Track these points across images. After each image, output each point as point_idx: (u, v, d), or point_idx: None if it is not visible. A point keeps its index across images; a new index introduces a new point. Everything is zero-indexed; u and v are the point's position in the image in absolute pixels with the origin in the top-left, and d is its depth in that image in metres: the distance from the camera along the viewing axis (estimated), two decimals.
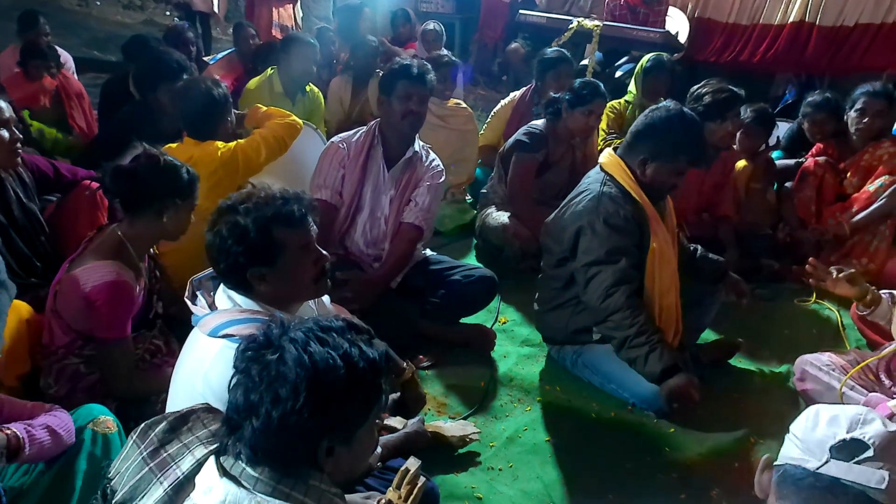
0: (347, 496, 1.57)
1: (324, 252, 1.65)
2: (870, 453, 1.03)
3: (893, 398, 2.27)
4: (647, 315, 2.35)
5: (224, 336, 1.45)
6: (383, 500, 1.55)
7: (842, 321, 3.26)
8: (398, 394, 2.35)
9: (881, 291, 2.48)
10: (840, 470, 1.03)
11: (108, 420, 1.77)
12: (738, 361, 2.89)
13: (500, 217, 3.54)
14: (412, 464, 1.65)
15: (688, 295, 2.63)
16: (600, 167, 2.46)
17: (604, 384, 2.59)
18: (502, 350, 2.88)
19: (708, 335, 2.99)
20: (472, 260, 3.69)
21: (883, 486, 1.01)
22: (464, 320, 2.96)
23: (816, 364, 2.53)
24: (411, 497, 1.57)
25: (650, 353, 2.26)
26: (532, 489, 2.16)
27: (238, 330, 1.44)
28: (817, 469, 1.04)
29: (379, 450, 1.81)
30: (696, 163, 2.40)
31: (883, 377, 2.44)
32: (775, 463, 1.14)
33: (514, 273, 3.42)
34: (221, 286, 1.61)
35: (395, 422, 2.17)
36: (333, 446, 1.09)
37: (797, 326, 3.24)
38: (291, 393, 1.03)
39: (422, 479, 1.62)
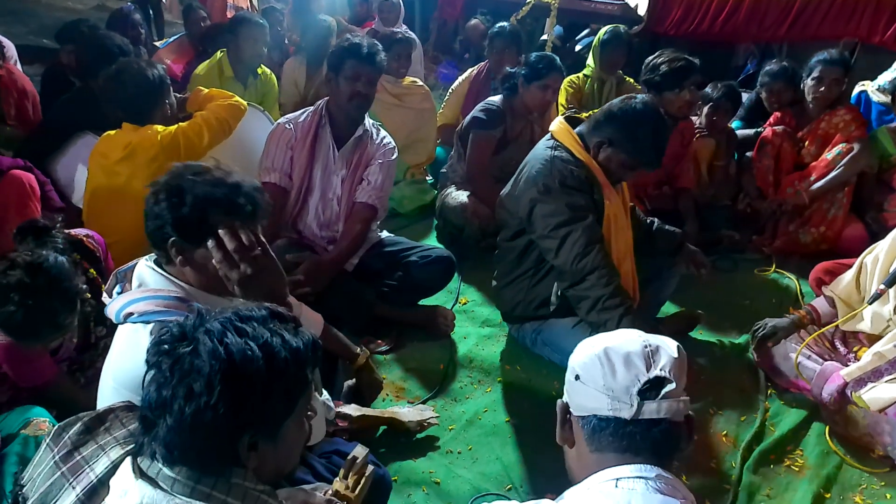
0: (293, 489, 1.52)
1: None
2: (672, 386, 1.09)
3: (848, 365, 2.28)
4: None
5: (126, 317, 1.37)
6: (330, 492, 1.50)
7: (800, 289, 3.28)
8: (353, 380, 2.31)
9: (813, 302, 2.56)
10: (652, 410, 1.08)
11: (42, 422, 1.70)
12: (699, 333, 2.89)
13: (459, 196, 3.48)
14: (359, 452, 1.60)
15: (647, 269, 2.61)
16: (550, 135, 2.42)
17: (563, 361, 2.51)
18: (462, 331, 2.84)
19: (668, 308, 2.98)
20: (432, 241, 3.63)
21: (683, 416, 1.11)
22: (423, 302, 2.91)
23: None
24: (359, 487, 1.52)
25: (623, 317, 2.20)
26: (491, 471, 2.13)
27: (136, 307, 1.35)
28: (633, 417, 1.08)
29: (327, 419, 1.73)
30: (648, 164, 2.36)
31: (838, 345, 2.46)
32: (576, 413, 1.17)
33: (475, 253, 3.38)
34: (139, 266, 1.51)
35: (350, 409, 2.11)
36: (256, 442, 1.03)
37: (757, 296, 3.25)
38: (205, 387, 0.97)
39: (370, 468, 1.57)
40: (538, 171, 2.34)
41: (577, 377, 1.16)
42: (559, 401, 1.22)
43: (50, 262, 1.81)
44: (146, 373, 1.03)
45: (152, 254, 1.50)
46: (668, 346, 1.14)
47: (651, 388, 1.09)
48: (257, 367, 1.00)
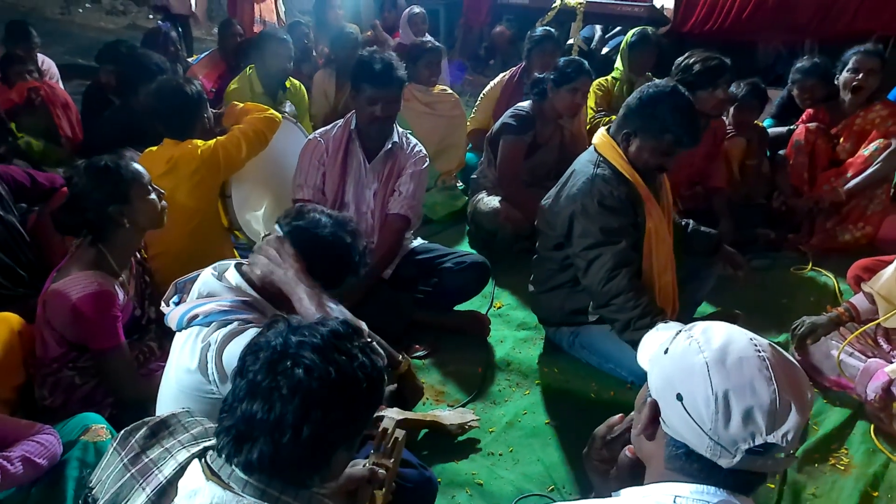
0: None
1: None
2: (785, 453, 0.95)
3: (892, 362, 2.25)
4: (650, 295, 2.32)
5: (190, 320, 1.42)
6: (368, 465, 1.53)
7: (839, 287, 3.24)
8: (395, 385, 2.34)
9: (852, 300, 2.51)
10: (754, 465, 0.97)
11: (100, 428, 1.75)
12: None
13: (491, 201, 3.51)
14: (388, 423, 1.64)
15: (684, 269, 2.61)
16: (594, 148, 2.42)
17: (602, 364, 2.57)
18: (498, 335, 2.86)
19: (705, 308, 2.97)
20: (465, 246, 3.66)
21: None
22: (458, 307, 2.94)
23: None
24: (394, 452, 1.56)
25: None
26: (533, 472, 2.15)
27: (201, 310, 1.40)
28: (730, 468, 0.97)
29: None
30: (681, 143, 2.30)
31: (882, 342, 2.43)
32: (664, 428, 1.03)
33: (508, 257, 3.40)
34: (203, 275, 1.56)
35: (392, 412, 2.15)
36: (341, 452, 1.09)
37: (794, 295, 3.22)
38: (322, 408, 1.01)
39: (400, 433, 1.61)
40: (579, 188, 2.34)
41: (678, 397, 0.99)
42: (648, 398, 1.07)
43: None
44: (239, 384, 1.05)
45: (217, 263, 1.56)
46: (800, 401, 0.97)
47: (763, 451, 0.95)
48: (362, 389, 1.05)
